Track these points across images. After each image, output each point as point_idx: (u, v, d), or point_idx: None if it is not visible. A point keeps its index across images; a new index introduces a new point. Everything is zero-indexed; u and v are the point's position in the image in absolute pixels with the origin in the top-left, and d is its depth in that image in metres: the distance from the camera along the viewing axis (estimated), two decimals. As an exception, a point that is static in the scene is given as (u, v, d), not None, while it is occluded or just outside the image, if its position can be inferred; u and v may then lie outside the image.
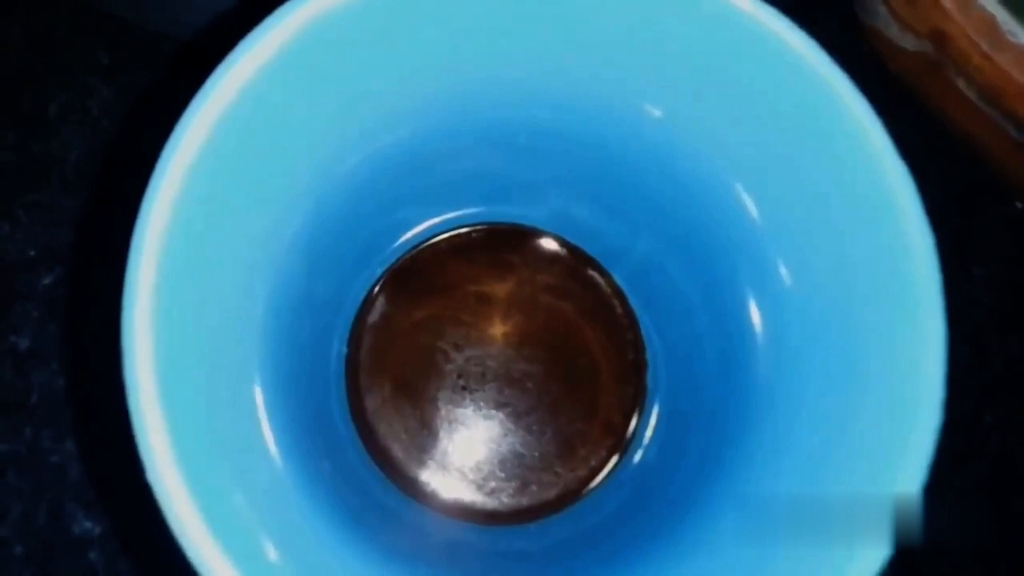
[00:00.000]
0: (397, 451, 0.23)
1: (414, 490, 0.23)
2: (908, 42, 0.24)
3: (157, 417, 0.14)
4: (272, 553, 0.15)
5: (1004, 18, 0.21)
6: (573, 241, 0.24)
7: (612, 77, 0.17)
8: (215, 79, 0.15)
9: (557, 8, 0.16)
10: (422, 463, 0.23)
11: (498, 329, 0.23)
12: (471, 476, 0.23)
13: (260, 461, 0.17)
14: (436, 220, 0.23)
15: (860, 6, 0.25)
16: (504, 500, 0.23)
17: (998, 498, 0.27)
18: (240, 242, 0.16)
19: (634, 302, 0.24)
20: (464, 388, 0.23)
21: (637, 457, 0.23)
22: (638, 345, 0.24)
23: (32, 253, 0.26)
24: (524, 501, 0.23)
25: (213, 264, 0.16)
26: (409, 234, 0.23)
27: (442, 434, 0.23)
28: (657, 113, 0.18)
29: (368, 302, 0.23)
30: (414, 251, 0.23)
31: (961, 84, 0.23)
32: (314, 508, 0.18)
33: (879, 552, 0.16)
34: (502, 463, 0.23)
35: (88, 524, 0.25)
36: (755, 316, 0.19)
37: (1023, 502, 0.27)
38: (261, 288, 0.18)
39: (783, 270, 0.18)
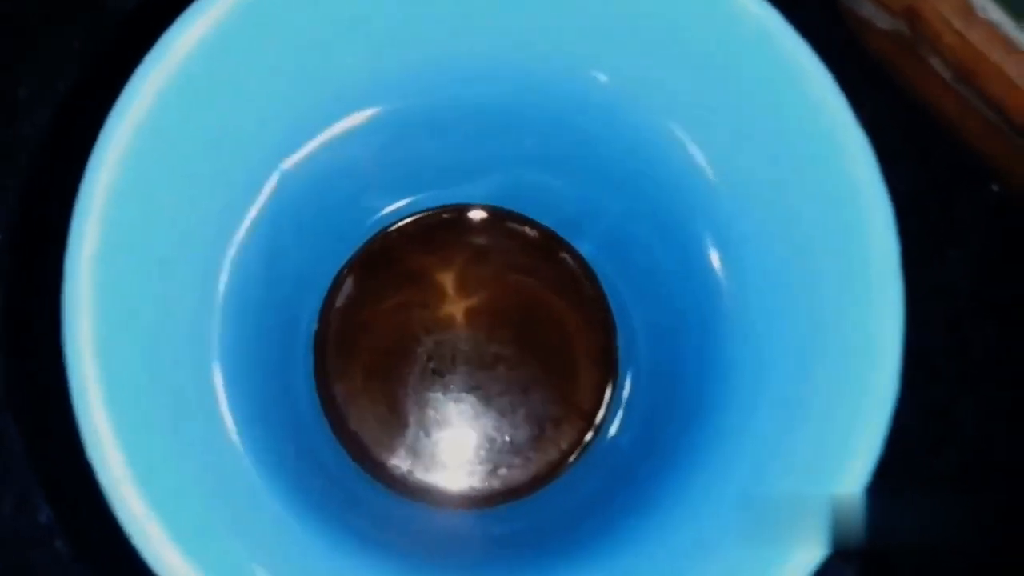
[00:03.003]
0: (366, 436, 0.23)
1: (383, 475, 0.22)
2: (883, 21, 0.24)
3: (98, 394, 0.14)
4: (227, 538, 0.15)
5: (976, -5, 0.21)
6: (543, 221, 0.23)
7: (556, 45, 0.17)
8: (152, 57, 0.15)
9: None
10: (391, 447, 0.23)
11: (469, 312, 0.23)
12: (441, 460, 0.23)
13: (216, 444, 0.16)
14: (401, 203, 0.23)
15: (836, -14, 0.25)
16: (475, 484, 0.23)
17: (974, 487, 0.26)
18: (191, 223, 0.16)
19: (613, 275, 0.23)
20: (435, 371, 0.23)
21: (609, 440, 0.23)
22: (609, 325, 0.23)
23: (1, 237, 0.26)
24: (495, 484, 0.23)
25: (160, 243, 0.15)
26: (374, 218, 0.23)
27: (412, 418, 0.23)
28: (603, 79, 0.17)
29: (336, 285, 0.23)
30: (380, 235, 0.23)
31: (935, 63, 0.23)
32: (276, 493, 0.17)
33: (814, 552, 0.15)
34: (473, 447, 0.23)
35: (54, 513, 0.25)
36: (723, 279, 0.19)
37: (999, 491, 0.26)
38: (219, 269, 0.17)
39: (742, 232, 0.18)
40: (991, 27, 0.21)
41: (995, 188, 0.26)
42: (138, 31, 0.27)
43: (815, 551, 0.15)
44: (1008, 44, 0.21)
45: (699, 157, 0.18)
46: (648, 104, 0.18)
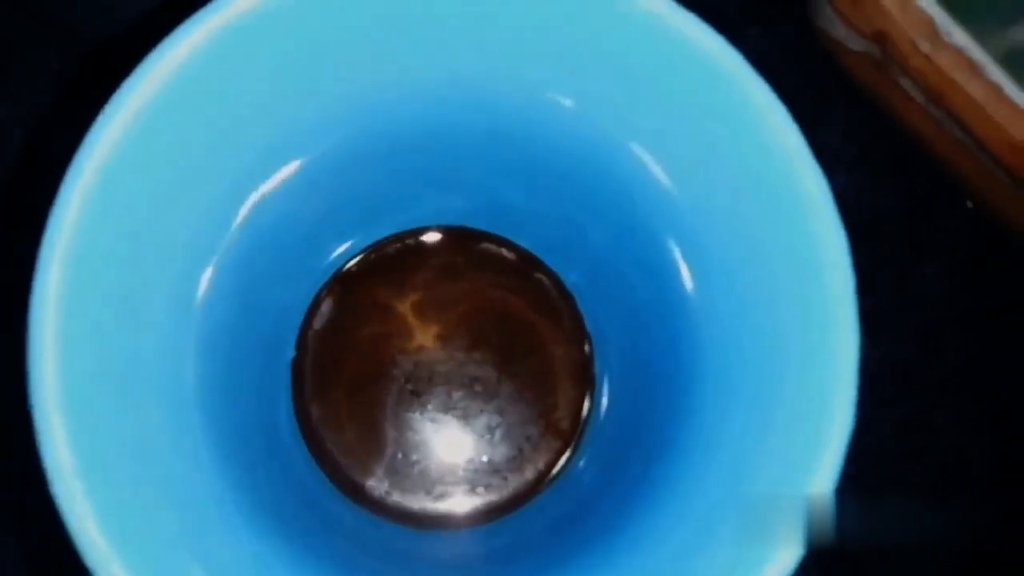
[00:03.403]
0: (343, 457, 0.23)
1: (361, 496, 0.23)
2: (855, 42, 0.24)
3: (59, 422, 0.14)
4: (193, 566, 0.15)
5: (942, 19, 0.21)
6: (517, 241, 0.24)
7: (520, 70, 0.18)
8: (117, 98, 0.15)
9: (465, 11, 0.17)
10: (369, 469, 0.23)
11: (446, 332, 0.23)
12: (419, 482, 0.23)
13: (189, 472, 0.17)
14: (370, 231, 0.23)
15: (811, 7, 0.25)
16: (452, 505, 0.23)
17: (950, 497, 0.27)
18: (161, 253, 0.16)
19: (594, 300, 0.24)
20: (413, 392, 0.23)
21: (585, 460, 0.23)
22: (586, 344, 0.24)
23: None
24: (472, 505, 0.23)
25: (129, 271, 0.16)
26: (346, 245, 0.23)
27: (390, 440, 0.23)
28: (568, 103, 0.18)
29: (313, 308, 0.23)
30: (358, 257, 0.23)
31: (906, 84, 0.23)
32: (248, 518, 0.18)
33: (792, 553, 0.16)
34: (450, 467, 0.23)
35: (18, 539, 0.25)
36: (693, 300, 0.19)
37: (975, 501, 0.27)
38: (192, 297, 0.18)
39: (708, 249, 0.18)
40: (957, 51, 0.21)
41: (970, 205, 0.26)
42: (118, 56, 0.27)
43: (793, 551, 0.16)
44: (974, 67, 0.21)
45: (663, 179, 0.18)
46: (612, 128, 0.18)
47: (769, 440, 0.17)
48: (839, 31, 0.24)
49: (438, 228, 0.23)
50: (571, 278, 0.24)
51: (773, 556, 0.16)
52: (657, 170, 0.19)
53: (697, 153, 0.18)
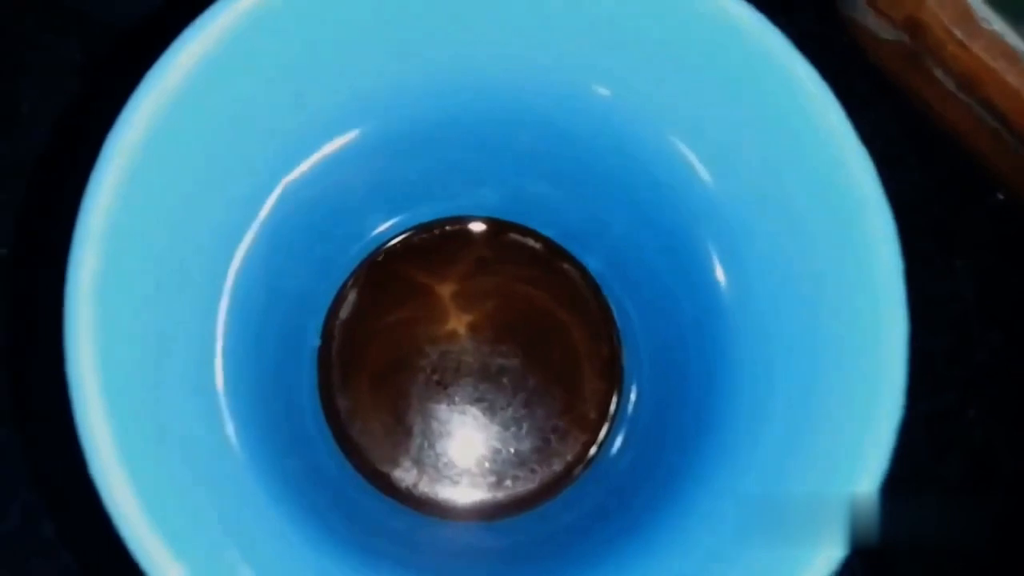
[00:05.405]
0: (370, 448, 0.23)
1: (387, 487, 0.22)
2: (885, 31, 0.24)
3: (100, 415, 0.14)
4: (232, 557, 0.15)
5: (977, 5, 0.21)
6: (546, 232, 0.23)
7: (557, 59, 0.17)
8: (146, 82, 0.15)
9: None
10: (396, 460, 0.23)
11: (472, 324, 0.23)
12: (445, 472, 0.23)
13: (220, 460, 0.16)
14: (400, 218, 0.23)
15: (838, -5, 0.25)
16: (479, 496, 0.23)
17: (980, 493, 0.26)
18: (192, 242, 0.16)
19: (616, 286, 0.23)
20: (439, 383, 0.23)
21: (614, 453, 0.23)
22: (614, 337, 0.23)
23: (4, 252, 0.26)
24: (499, 497, 0.23)
25: (160, 263, 0.16)
26: (378, 230, 0.23)
27: (416, 430, 0.23)
28: (604, 92, 0.17)
29: (340, 298, 0.23)
30: (381, 250, 0.23)
31: (939, 73, 0.23)
32: (278, 506, 0.17)
33: (834, 553, 0.15)
34: (477, 459, 0.23)
35: (58, 526, 0.25)
36: (726, 290, 0.19)
37: (1005, 497, 0.26)
38: (222, 284, 0.17)
39: (746, 244, 0.18)
40: (994, 37, 0.21)
41: (1001, 196, 0.26)
42: (140, 44, 0.27)
43: (835, 551, 0.16)
44: (1011, 54, 0.21)
45: (701, 170, 0.18)
46: (650, 117, 0.18)
47: (810, 435, 0.17)
48: (868, 19, 0.24)
49: (466, 219, 0.23)
50: (594, 267, 0.23)
51: (814, 557, 0.16)
52: (695, 161, 0.18)
53: (737, 142, 0.18)
